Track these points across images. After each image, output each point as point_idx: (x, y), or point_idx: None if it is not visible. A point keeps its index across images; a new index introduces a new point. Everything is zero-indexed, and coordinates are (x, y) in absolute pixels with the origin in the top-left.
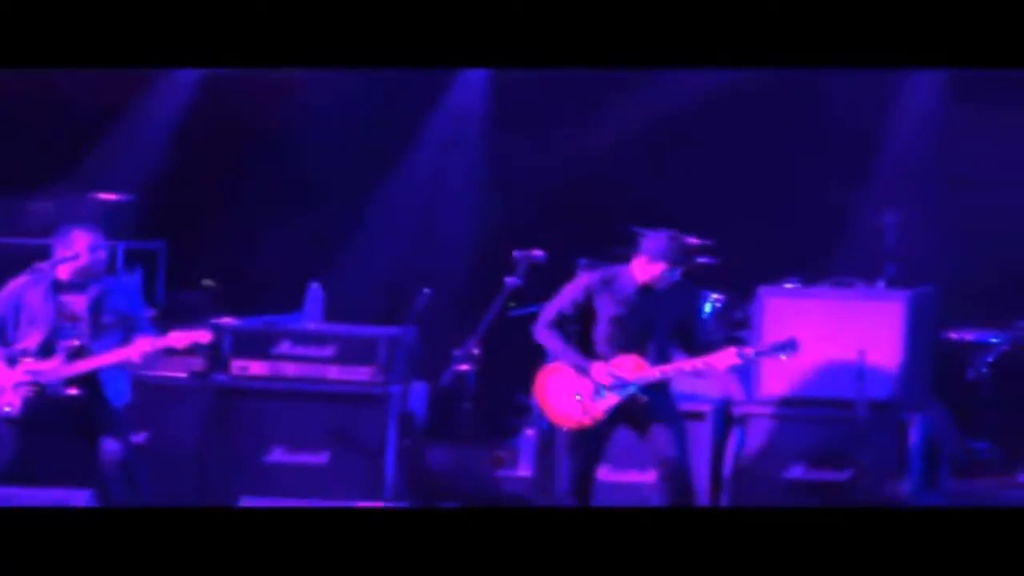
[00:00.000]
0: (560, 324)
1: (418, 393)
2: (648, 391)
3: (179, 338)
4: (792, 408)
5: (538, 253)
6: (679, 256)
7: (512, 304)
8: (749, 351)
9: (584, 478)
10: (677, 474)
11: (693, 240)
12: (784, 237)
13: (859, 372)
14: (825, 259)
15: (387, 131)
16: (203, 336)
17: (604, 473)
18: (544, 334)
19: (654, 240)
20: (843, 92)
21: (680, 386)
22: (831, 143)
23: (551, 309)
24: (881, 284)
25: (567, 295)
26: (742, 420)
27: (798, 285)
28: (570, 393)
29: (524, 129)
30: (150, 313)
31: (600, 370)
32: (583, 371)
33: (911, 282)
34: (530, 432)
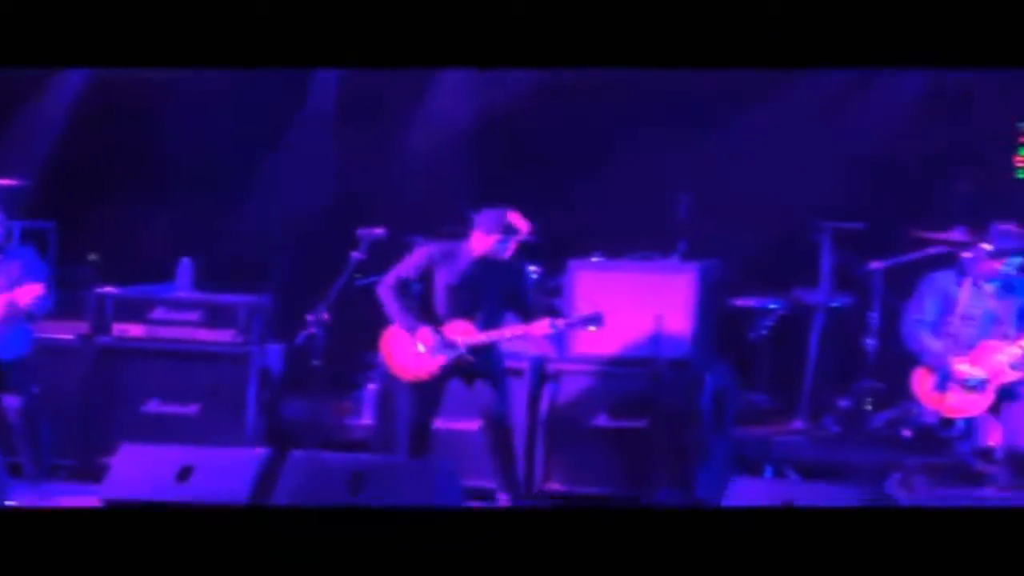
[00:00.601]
0: (401, 288)
1: (275, 352)
2: (476, 352)
3: (24, 291)
4: (597, 365)
5: (379, 231)
6: (510, 229)
7: (357, 275)
8: (561, 322)
9: (421, 425)
10: (498, 423)
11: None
12: (592, 217)
13: (656, 334)
14: (627, 236)
15: (256, 123)
16: (36, 289)
17: (438, 422)
18: (385, 293)
19: (488, 216)
20: (646, 91)
21: (503, 346)
22: (638, 136)
23: (394, 273)
24: (675, 258)
25: (410, 262)
26: (555, 376)
27: (603, 259)
28: (410, 350)
29: (370, 123)
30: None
31: (425, 333)
32: (412, 332)
33: (700, 256)
34: (372, 386)
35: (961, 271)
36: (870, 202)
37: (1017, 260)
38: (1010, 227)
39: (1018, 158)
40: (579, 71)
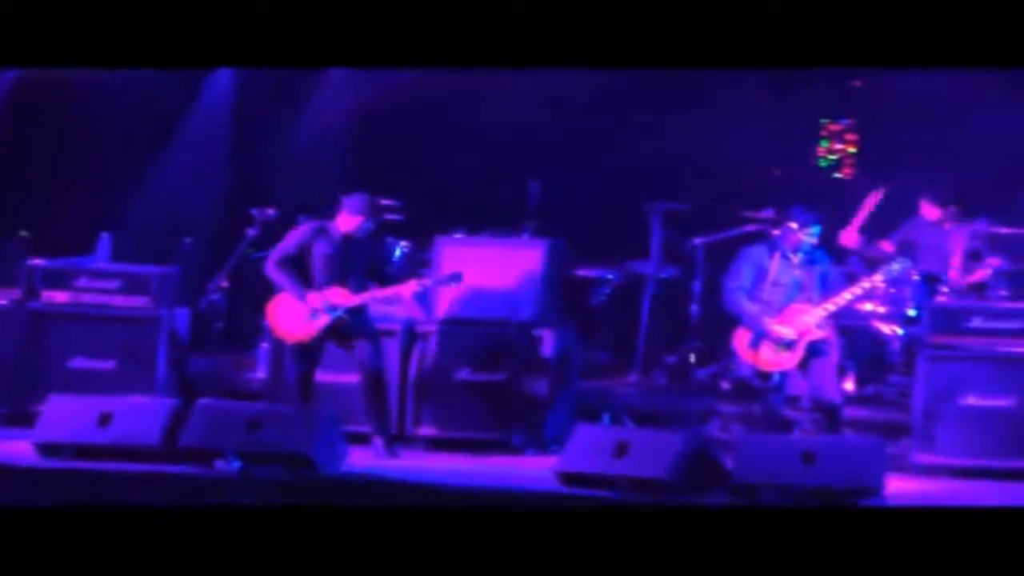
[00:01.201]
0: (285, 262)
1: (182, 316)
2: (351, 313)
3: None
4: (460, 327)
5: (270, 211)
6: (371, 211)
7: (251, 250)
8: (426, 280)
9: (306, 379)
10: (374, 377)
11: (383, 201)
12: (456, 199)
13: (509, 300)
14: (486, 216)
15: (164, 115)
16: None
17: (320, 375)
18: (272, 270)
19: (353, 200)
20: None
21: (376, 310)
22: (498, 129)
23: (279, 250)
24: (526, 235)
25: (291, 240)
26: (424, 336)
27: (464, 236)
28: (293, 316)
29: (263, 116)
30: None
31: (314, 298)
32: (301, 298)
33: (548, 233)
34: (265, 345)
35: (771, 245)
36: (695, 186)
37: (816, 230)
38: (808, 207)
39: (820, 149)
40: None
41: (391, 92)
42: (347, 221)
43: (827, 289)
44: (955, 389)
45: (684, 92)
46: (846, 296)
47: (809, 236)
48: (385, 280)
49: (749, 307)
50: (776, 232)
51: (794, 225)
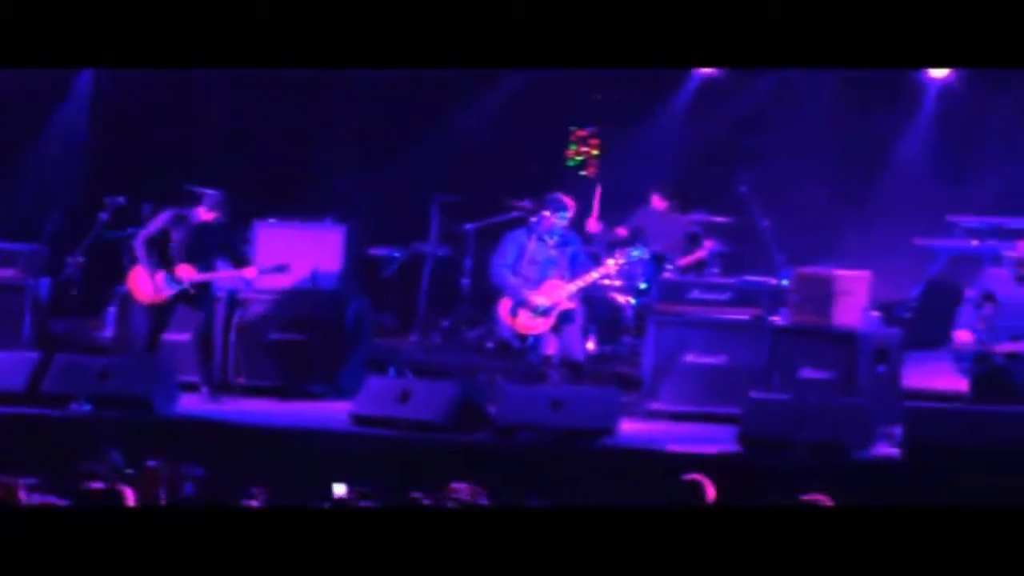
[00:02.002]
0: (148, 241)
1: (44, 285)
2: (196, 287)
3: None
4: (272, 295)
5: (120, 199)
6: (224, 207)
7: (104, 230)
8: (260, 268)
9: (152, 337)
10: (203, 336)
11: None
12: (274, 191)
13: (314, 273)
14: (298, 203)
15: (33, 111)
16: None
17: (168, 336)
18: (138, 246)
19: (211, 197)
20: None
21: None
22: (312, 132)
23: (144, 231)
24: (329, 220)
25: (154, 224)
26: (243, 303)
27: (277, 220)
28: (147, 284)
29: (125, 117)
30: None
31: (161, 275)
32: (151, 274)
33: (347, 218)
34: (112, 309)
35: (530, 229)
36: (468, 179)
37: (565, 215)
38: (560, 196)
39: (569, 151)
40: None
41: (221, 94)
42: (206, 213)
43: (576, 267)
44: (677, 349)
45: (462, 95)
46: (593, 275)
47: (560, 220)
48: (237, 260)
49: (511, 280)
50: (533, 218)
51: (547, 212)
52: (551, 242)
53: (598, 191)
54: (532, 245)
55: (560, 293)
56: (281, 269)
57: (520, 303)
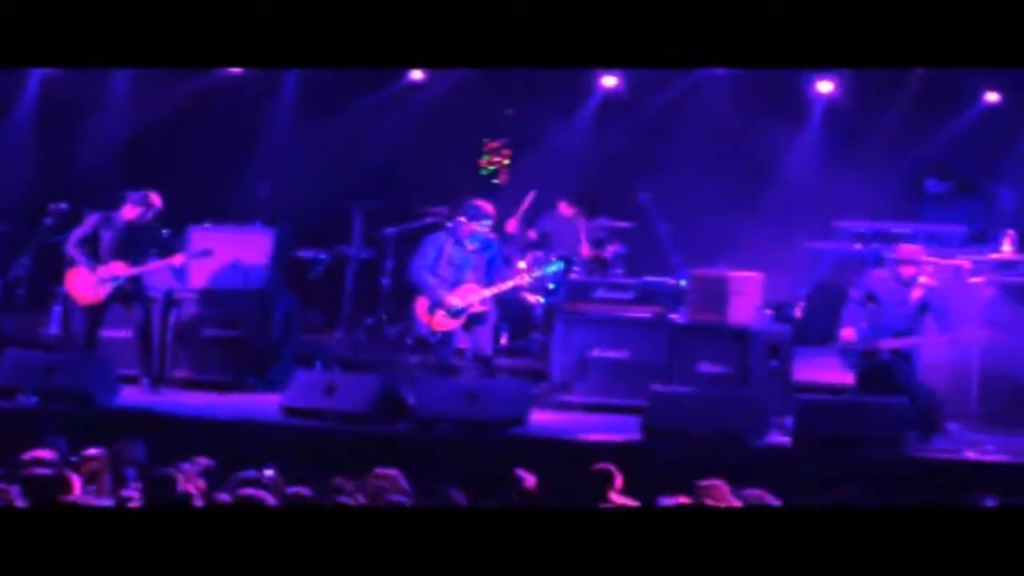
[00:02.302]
0: (81, 243)
1: None
2: (130, 282)
3: None
4: (207, 294)
5: (63, 205)
6: (147, 205)
7: (48, 234)
8: (186, 255)
9: (91, 334)
10: (142, 332)
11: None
12: (208, 197)
13: (245, 273)
14: (231, 209)
15: None
16: None
17: (104, 332)
18: (72, 248)
19: (132, 197)
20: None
21: (151, 281)
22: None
23: (76, 234)
24: (259, 224)
25: (85, 226)
26: (179, 302)
27: (211, 224)
28: (85, 283)
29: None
30: None
31: (103, 270)
32: (92, 271)
33: (276, 221)
34: (57, 308)
35: (449, 233)
36: (390, 187)
37: (487, 222)
38: (480, 203)
39: (482, 161)
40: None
41: (167, 102)
42: (130, 211)
43: (492, 271)
44: (583, 344)
45: (384, 108)
46: (508, 284)
47: (480, 227)
48: (165, 252)
49: (429, 281)
50: (450, 223)
51: (463, 219)
52: (470, 247)
53: (531, 195)
54: (450, 248)
55: (474, 297)
56: (206, 253)
57: (436, 303)
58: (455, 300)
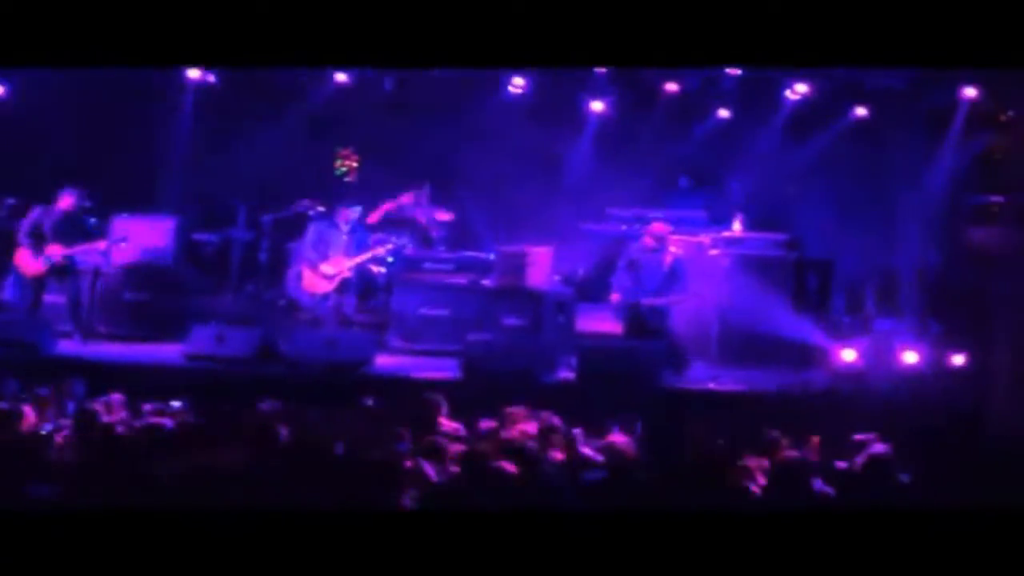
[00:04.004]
0: (29, 230)
1: None
2: (64, 260)
3: None
4: (124, 268)
5: (10, 200)
6: (78, 199)
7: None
8: (111, 239)
9: (35, 300)
10: (75, 299)
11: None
12: (124, 191)
13: (155, 251)
14: (144, 201)
15: None
16: None
17: (50, 298)
18: (21, 235)
19: (66, 192)
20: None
21: (82, 259)
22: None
23: (24, 223)
24: (164, 214)
25: (31, 217)
26: (105, 274)
27: (128, 214)
28: (30, 261)
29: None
30: None
31: (49, 250)
32: (36, 251)
33: (178, 211)
34: (10, 279)
35: (328, 218)
36: (268, 182)
37: (358, 211)
38: (354, 197)
39: (336, 164)
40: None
41: (43, 103)
42: (64, 203)
43: (358, 248)
44: (415, 303)
45: (264, 115)
46: (367, 255)
47: (352, 213)
48: (90, 237)
49: (311, 253)
50: (321, 209)
51: (344, 208)
52: (345, 229)
53: (424, 188)
54: (328, 229)
55: (344, 265)
56: (123, 240)
57: (315, 270)
58: (328, 268)
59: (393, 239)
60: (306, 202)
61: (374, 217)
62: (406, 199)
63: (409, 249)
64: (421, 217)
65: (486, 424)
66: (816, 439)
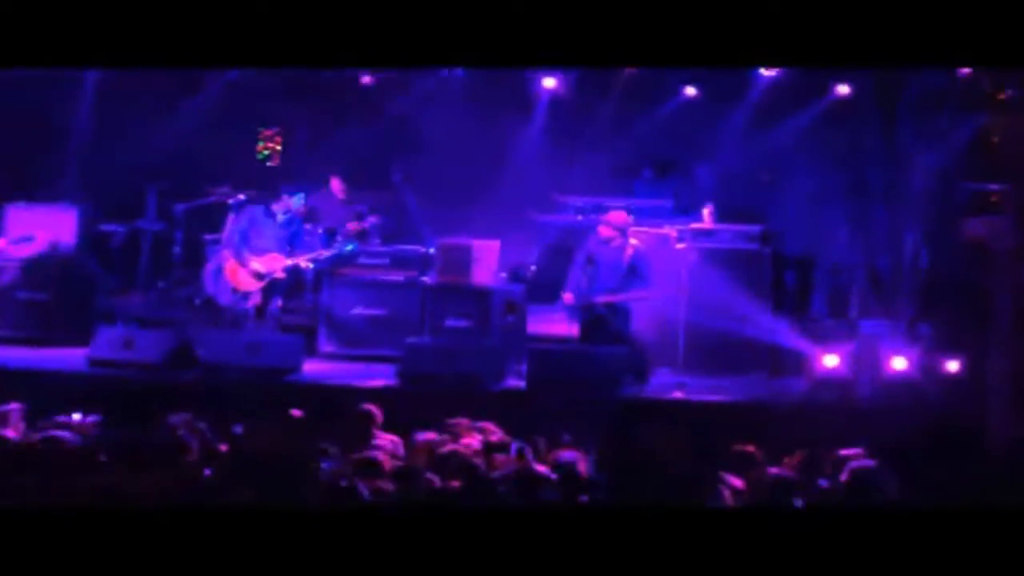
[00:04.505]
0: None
1: None
2: None
3: None
4: (24, 262)
5: None
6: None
7: None
8: (7, 239)
9: None
10: None
11: None
12: (21, 179)
13: (54, 244)
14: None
15: None
16: None
17: None
18: None
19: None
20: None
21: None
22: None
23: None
24: (66, 202)
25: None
26: (4, 268)
27: (23, 203)
28: None
29: None
30: None
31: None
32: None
33: (81, 199)
34: None
35: (262, 207)
36: (181, 169)
37: (301, 198)
38: (293, 184)
39: (258, 147)
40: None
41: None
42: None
43: (295, 242)
44: (347, 303)
45: (174, 101)
46: (309, 256)
47: (295, 203)
48: None
49: (240, 247)
50: (242, 197)
51: (285, 196)
52: (281, 219)
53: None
54: (261, 220)
55: (277, 264)
56: (27, 239)
57: (243, 266)
58: (259, 265)
59: (349, 244)
60: (225, 189)
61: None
62: (337, 186)
63: (339, 242)
64: (350, 207)
65: (426, 437)
66: (797, 455)
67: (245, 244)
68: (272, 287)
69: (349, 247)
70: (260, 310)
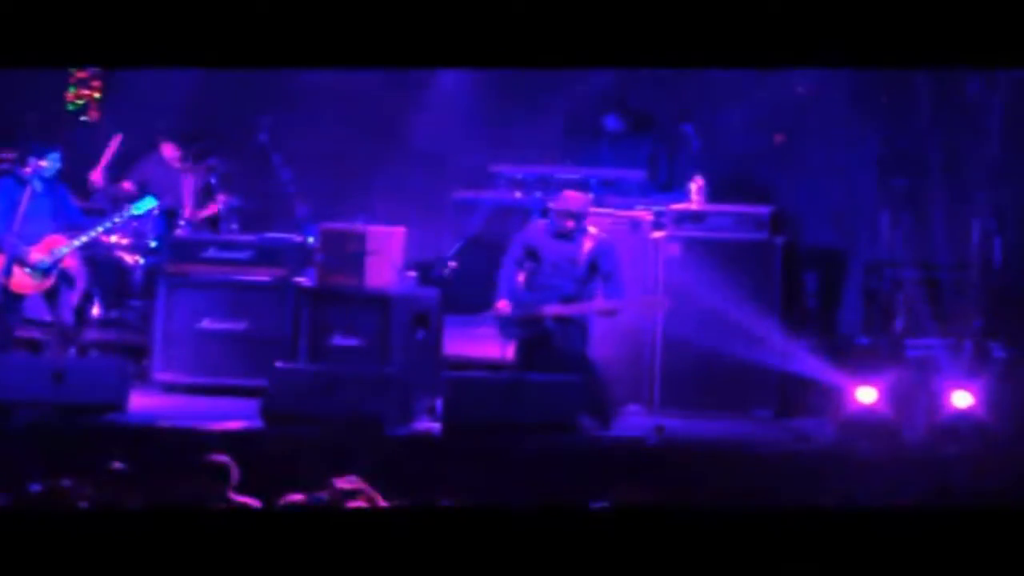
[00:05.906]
0: None
1: None
2: None
3: None
4: None
5: None
6: None
7: None
8: None
9: None
10: None
11: None
12: None
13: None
14: None
15: None
16: None
17: None
18: None
19: None
20: None
21: None
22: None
23: None
24: None
25: None
26: None
27: None
28: None
29: None
30: None
31: None
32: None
33: None
34: None
35: (20, 179)
36: None
37: (56, 157)
38: (44, 140)
39: (68, 94)
40: None
41: None
42: None
43: (69, 215)
44: (192, 313)
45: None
46: (98, 229)
47: (49, 164)
48: None
49: (5, 235)
50: (28, 168)
51: (33, 158)
52: (37, 188)
53: (116, 140)
54: (25, 196)
55: (62, 249)
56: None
57: (16, 259)
58: (39, 256)
59: (141, 203)
60: (9, 154)
61: (96, 175)
62: (170, 151)
63: (181, 228)
64: (192, 182)
65: (298, 501)
66: None
67: (9, 231)
68: (63, 282)
69: (144, 204)
70: (63, 324)
